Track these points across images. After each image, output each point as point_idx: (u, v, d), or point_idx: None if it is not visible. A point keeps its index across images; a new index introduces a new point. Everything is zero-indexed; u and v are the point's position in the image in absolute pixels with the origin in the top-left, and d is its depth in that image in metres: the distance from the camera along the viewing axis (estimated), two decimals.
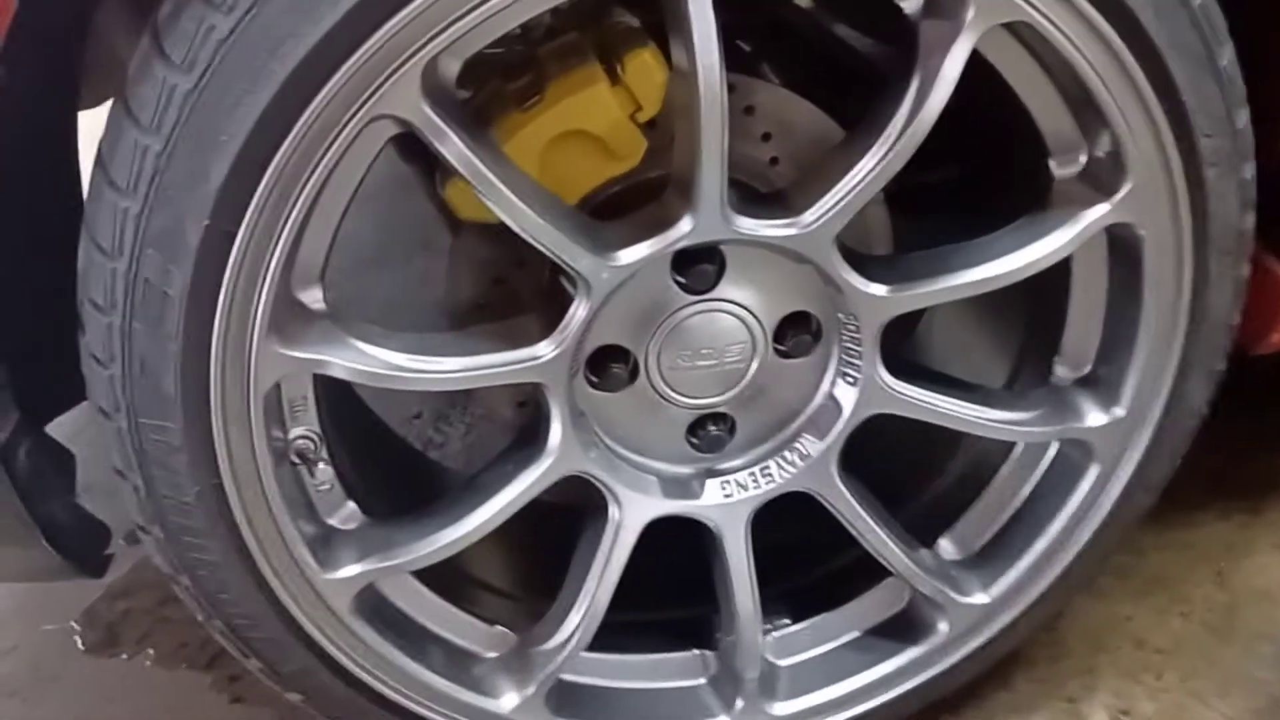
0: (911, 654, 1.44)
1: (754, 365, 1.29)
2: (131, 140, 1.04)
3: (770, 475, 1.35)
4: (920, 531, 1.44)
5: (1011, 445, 1.44)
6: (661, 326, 1.25)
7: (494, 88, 1.22)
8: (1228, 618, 1.66)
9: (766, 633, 1.42)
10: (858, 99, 1.26)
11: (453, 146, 1.07)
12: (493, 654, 1.38)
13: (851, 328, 1.28)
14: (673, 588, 1.48)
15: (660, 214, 1.18)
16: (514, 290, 1.34)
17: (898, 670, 1.44)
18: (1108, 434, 1.36)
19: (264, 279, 1.08)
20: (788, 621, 1.47)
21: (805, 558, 1.52)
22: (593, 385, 1.27)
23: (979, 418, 1.34)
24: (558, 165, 1.19)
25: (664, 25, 1.14)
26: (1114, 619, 1.66)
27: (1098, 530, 1.41)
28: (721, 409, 1.31)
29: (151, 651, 1.81)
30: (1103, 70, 1.15)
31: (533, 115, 1.18)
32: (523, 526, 1.28)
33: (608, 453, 1.30)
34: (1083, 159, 1.25)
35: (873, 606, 1.47)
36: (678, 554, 1.38)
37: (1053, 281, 1.31)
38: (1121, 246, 1.29)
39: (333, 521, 1.27)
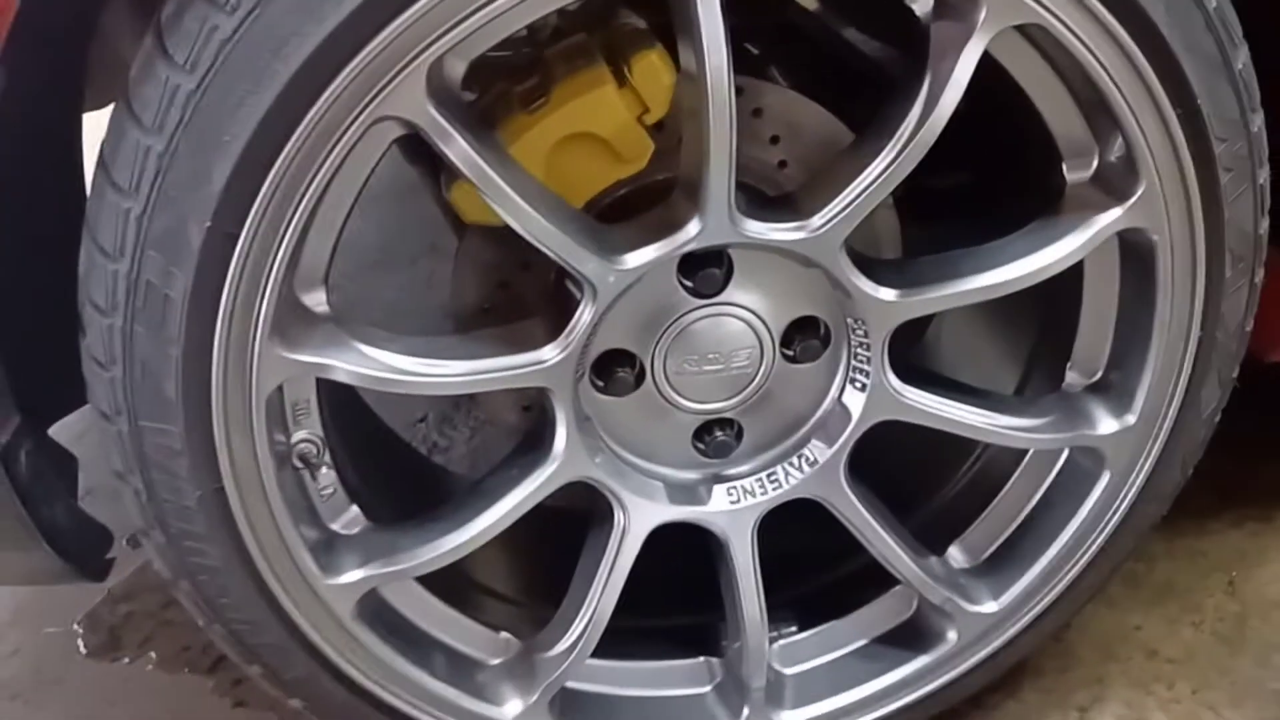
0: (919, 663, 1.43)
1: (761, 370, 1.28)
2: (134, 141, 1.04)
3: (777, 481, 1.34)
4: (929, 539, 1.43)
5: (1022, 452, 1.43)
6: (668, 331, 1.24)
7: (500, 89, 1.22)
8: (1240, 627, 1.65)
9: (773, 640, 1.41)
10: (867, 102, 1.25)
11: (458, 148, 1.07)
12: (496, 660, 1.38)
13: (860, 333, 1.27)
14: (678, 594, 1.47)
15: (667, 217, 1.17)
16: (519, 294, 1.34)
17: (905, 679, 1.43)
18: (1119, 441, 1.35)
19: (267, 281, 1.07)
20: (794, 629, 1.46)
21: (812, 564, 1.51)
22: (598, 390, 1.26)
23: (989, 424, 1.33)
24: (564, 168, 1.19)
25: (671, 27, 1.13)
26: (1124, 628, 1.65)
27: (1108, 539, 1.40)
28: (728, 414, 1.31)
29: (154, 655, 1.80)
30: (1116, 73, 1.14)
31: (539, 117, 1.17)
32: (527, 531, 1.28)
33: (613, 458, 1.30)
34: (1095, 163, 1.24)
35: (880, 614, 1.46)
36: (684, 560, 1.37)
37: (1064, 287, 1.30)
38: (1134, 252, 1.28)
39: (335, 526, 1.27)
